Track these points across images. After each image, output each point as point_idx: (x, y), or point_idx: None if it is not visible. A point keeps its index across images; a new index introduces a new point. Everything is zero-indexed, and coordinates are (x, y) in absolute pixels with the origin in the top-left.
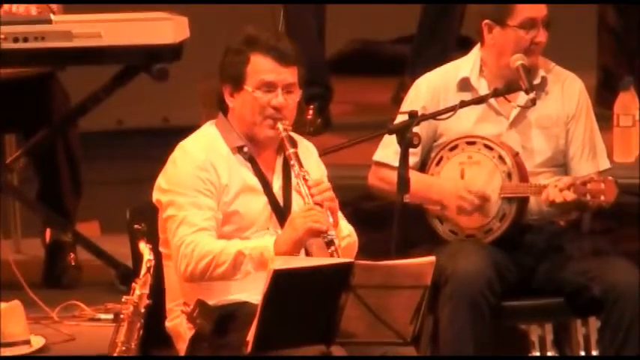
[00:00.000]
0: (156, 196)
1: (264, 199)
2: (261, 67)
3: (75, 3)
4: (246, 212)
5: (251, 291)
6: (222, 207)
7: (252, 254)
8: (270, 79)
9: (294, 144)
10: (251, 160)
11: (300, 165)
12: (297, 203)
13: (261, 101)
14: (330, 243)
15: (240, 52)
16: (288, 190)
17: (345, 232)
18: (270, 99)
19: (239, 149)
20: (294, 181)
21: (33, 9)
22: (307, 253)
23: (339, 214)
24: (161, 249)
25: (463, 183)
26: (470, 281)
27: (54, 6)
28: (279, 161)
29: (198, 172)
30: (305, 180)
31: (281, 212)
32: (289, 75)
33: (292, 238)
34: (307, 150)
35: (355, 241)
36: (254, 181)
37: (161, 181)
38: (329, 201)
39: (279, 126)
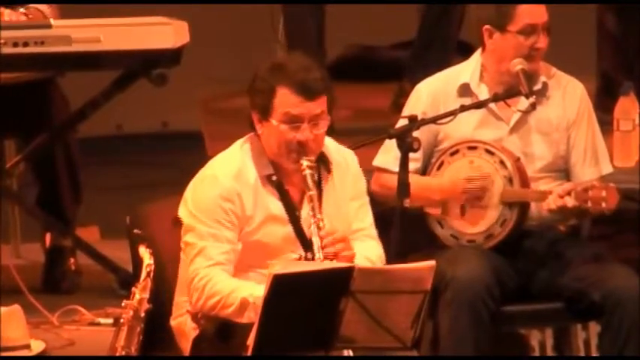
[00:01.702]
0: (181, 211)
1: (288, 228)
2: (287, 101)
3: (70, 3)
4: (269, 242)
5: None
6: (244, 237)
7: (256, 302)
8: (295, 112)
9: (327, 170)
10: (279, 187)
11: (319, 210)
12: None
13: (287, 136)
14: None
15: (266, 82)
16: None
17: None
18: (296, 134)
19: (268, 178)
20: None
21: (21, 17)
22: None
23: (374, 232)
24: (182, 245)
25: (461, 176)
26: (469, 287)
27: (44, 7)
28: None
29: (223, 202)
30: (318, 228)
31: (306, 241)
32: (316, 107)
33: None
34: (346, 162)
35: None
36: (280, 211)
37: (188, 199)
38: (342, 251)
39: (303, 162)
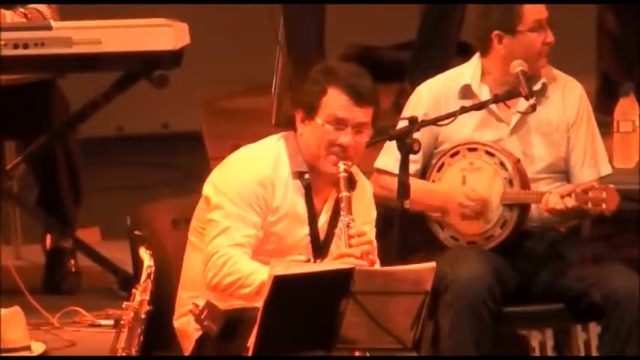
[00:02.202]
0: (207, 191)
1: (306, 229)
2: (335, 102)
3: (70, 4)
4: (285, 237)
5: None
6: (266, 226)
7: None
8: (342, 115)
9: (351, 185)
10: (307, 188)
11: (349, 211)
12: (336, 242)
13: (330, 136)
14: None
15: (318, 83)
16: (333, 226)
17: None
18: (339, 136)
19: (300, 174)
20: (339, 223)
21: (21, 19)
22: None
23: (376, 259)
24: (189, 236)
25: (463, 189)
26: (470, 288)
27: (44, 8)
28: (333, 196)
29: (257, 187)
30: (348, 227)
31: (319, 247)
32: (362, 115)
33: None
34: (364, 190)
35: None
36: (302, 210)
37: (218, 179)
38: (366, 254)
39: (340, 165)
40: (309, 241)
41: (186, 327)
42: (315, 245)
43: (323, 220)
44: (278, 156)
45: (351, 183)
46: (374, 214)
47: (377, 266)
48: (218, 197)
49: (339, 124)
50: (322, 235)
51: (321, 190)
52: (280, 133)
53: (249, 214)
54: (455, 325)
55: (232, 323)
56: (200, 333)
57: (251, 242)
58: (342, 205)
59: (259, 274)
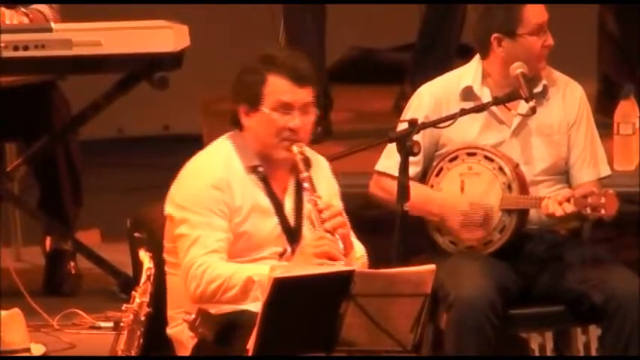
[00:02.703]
0: (169, 209)
1: (274, 220)
2: (278, 87)
3: (71, 3)
4: (255, 233)
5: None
6: (234, 228)
7: (261, 280)
8: (287, 99)
9: (308, 165)
10: (264, 180)
11: (313, 189)
12: (308, 225)
13: (278, 123)
14: None
15: (256, 72)
16: (300, 211)
17: (359, 253)
18: (287, 121)
19: (253, 169)
20: (306, 204)
21: (22, 18)
22: None
23: (351, 233)
24: (165, 256)
25: (465, 197)
26: (474, 308)
27: (45, 8)
28: (292, 182)
29: (214, 191)
30: (316, 205)
31: (292, 233)
32: (305, 95)
33: None
34: (318, 166)
35: (365, 262)
36: (265, 202)
37: (175, 195)
38: (340, 227)
39: (294, 148)
40: (280, 230)
41: (181, 335)
42: (287, 233)
43: (289, 207)
44: (227, 156)
45: (308, 163)
46: (336, 186)
47: (353, 237)
48: (180, 212)
49: (286, 108)
50: (292, 222)
51: (278, 179)
52: (224, 134)
53: (214, 219)
54: (459, 345)
55: (227, 328)
56: (195, 341)
57: (224, 246)
58: (306, 185)
59: (241, 273)
